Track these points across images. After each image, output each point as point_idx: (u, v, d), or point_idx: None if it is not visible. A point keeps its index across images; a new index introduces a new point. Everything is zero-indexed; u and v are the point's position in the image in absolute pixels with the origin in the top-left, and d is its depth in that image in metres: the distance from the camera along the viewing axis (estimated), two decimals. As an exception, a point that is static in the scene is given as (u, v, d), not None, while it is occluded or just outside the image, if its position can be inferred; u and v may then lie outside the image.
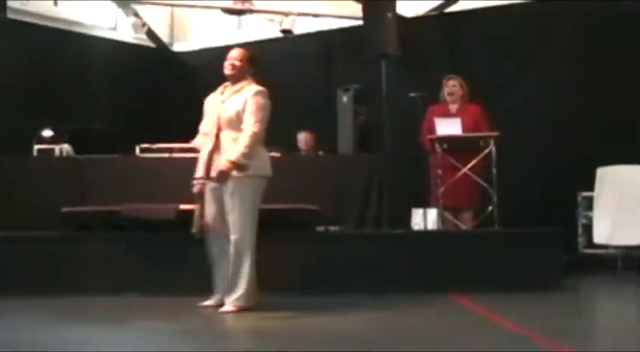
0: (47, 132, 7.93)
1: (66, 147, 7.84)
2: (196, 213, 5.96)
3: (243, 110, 5.83)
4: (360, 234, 7.43)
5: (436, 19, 10.07)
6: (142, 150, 7.75)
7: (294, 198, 7.01)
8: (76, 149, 7.90)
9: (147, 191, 7.18)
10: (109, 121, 9.36)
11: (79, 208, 7.02)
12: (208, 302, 5.99)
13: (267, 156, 6.01)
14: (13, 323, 5.49)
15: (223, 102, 5.93)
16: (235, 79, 5.98)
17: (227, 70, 5.99)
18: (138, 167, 7.54)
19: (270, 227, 6.61)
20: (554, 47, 9.25)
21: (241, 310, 5.75)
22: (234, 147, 5.77)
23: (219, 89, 6.06)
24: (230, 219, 5.80)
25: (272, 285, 6.27)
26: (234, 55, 6.02)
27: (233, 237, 5.80)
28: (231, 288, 5.81)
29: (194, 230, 5.97)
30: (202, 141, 6.01)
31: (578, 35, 9.08)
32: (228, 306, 5.78)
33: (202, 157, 5.98)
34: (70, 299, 6.37)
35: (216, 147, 5.86)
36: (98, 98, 10.24)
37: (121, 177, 7.47)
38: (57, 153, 7.78)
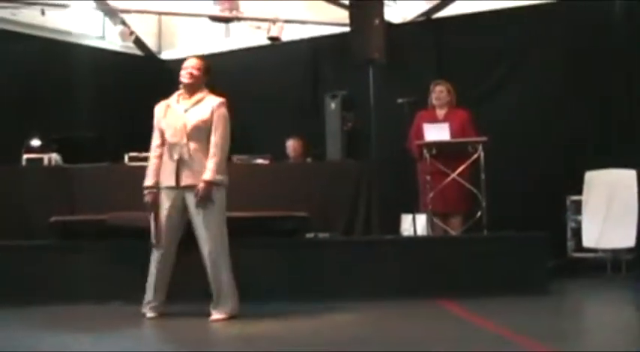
0: (36, 142, 7.90)
1: (54, 157, 7.81)
2: (152, 223, 5.90)
3: (210, 120, 5.81)
4: (349, 241, 7.42)
5: (424, 24, 10.09)
6: (131, 159, 7.74)
7: (283, 205, 7.03)
8: (65, 158, 7.87)
9: (135, 199, 7.16)
10: (97, 130, 9.34)
11: (66, 217, 7.01)
12: (150, 315, 5.93)
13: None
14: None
15: (186, 111, 5.88)
16: (193, 88, 5.94)
17: (185, 79, 5.94)
18: (126, 175, 7.51)
19: (260, 234, 6.64)
20: (541, 52, 9.28)
21: (230, 317, 5.76)
22: (202, 161, 5.75)
23: (173, 98, 6.00)
24: (204, 231, 5.77)
25: (262, 292, 6.30)
26: (192, 63, 5.99)
27: (207, 249, 5.78)
28: (217, 298, 5.80)
29: (153, 240, 5.90)
30: (159, 153, 5.93)
31: (565, 40, 9.11)
32: (217, 315, 5.77)
33: (151, 164, 5.96)
34: (58, 307, 6.36)
35: (184, 157, 5.80)
36: (86, 107, 10.23)
37: (110, 185, 7.44)
38: (45, 162, 7.74)
